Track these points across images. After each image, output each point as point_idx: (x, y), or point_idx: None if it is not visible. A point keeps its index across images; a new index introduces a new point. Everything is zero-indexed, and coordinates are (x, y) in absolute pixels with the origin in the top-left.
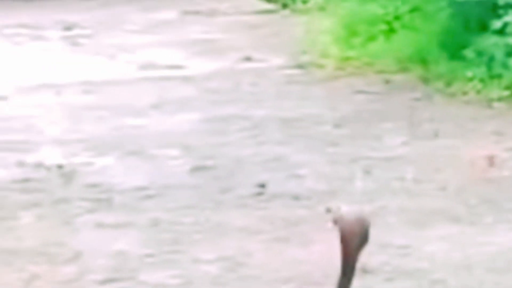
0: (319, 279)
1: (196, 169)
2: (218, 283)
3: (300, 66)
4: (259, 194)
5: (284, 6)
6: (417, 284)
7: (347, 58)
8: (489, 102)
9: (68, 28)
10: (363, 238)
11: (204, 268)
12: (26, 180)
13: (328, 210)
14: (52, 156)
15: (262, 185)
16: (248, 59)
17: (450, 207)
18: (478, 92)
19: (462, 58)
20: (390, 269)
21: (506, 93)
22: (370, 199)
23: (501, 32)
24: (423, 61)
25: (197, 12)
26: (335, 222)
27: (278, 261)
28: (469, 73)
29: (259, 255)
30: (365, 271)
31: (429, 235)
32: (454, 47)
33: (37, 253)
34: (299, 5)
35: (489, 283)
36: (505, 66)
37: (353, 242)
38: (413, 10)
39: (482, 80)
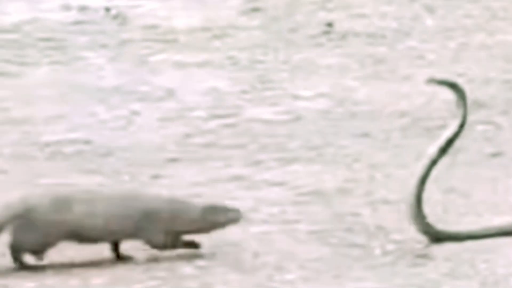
0: (431, 113)
1: (252, 10)
2: (329, 119)
3: None
4: (327, 33)
5: None
6: None
7: None
8: None
9: None
10: None
11: (307, 104)
12: (79, 22)
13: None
14: None
15: (329, 24)
16: None
17: None
18: None
19: None
20: None
21: None
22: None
23: None
24: None
25: None
26: None
27: (383, 96)
28: None
29: (362, 91)
30: None
31: None
32: None
33: (127, 91)
34: None
35: None
36: None
37: None
38: None
39: None
